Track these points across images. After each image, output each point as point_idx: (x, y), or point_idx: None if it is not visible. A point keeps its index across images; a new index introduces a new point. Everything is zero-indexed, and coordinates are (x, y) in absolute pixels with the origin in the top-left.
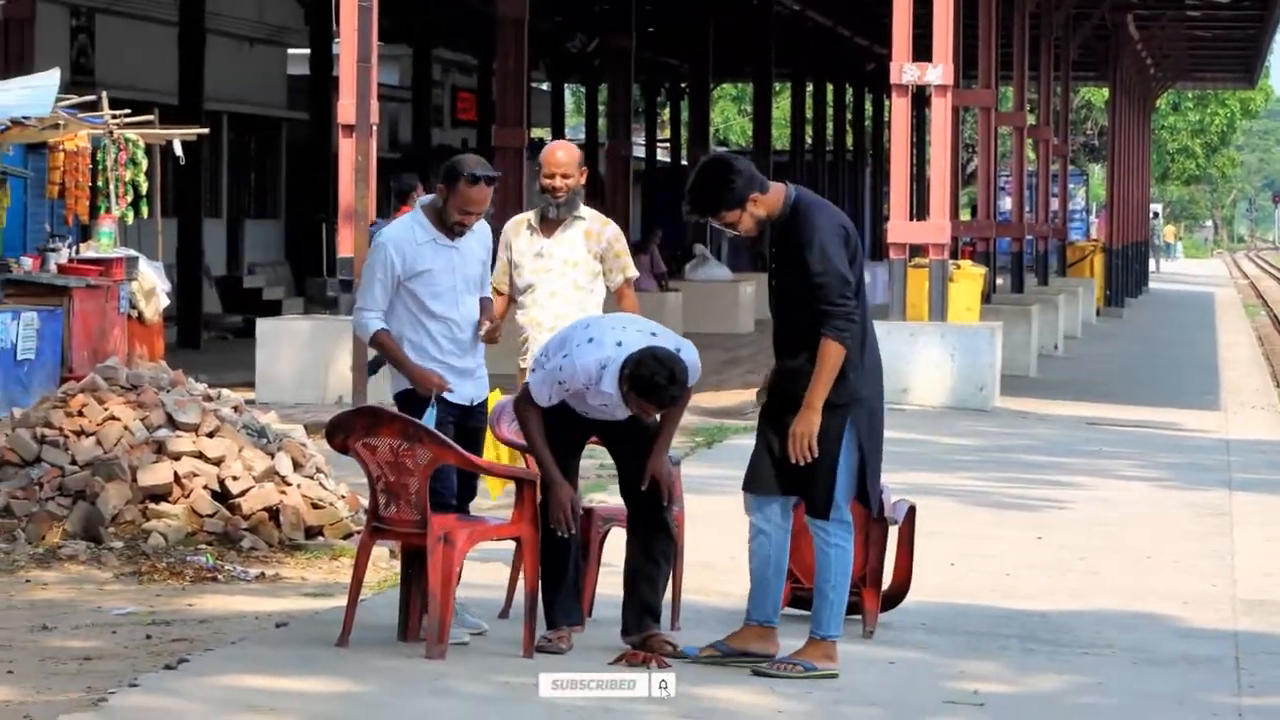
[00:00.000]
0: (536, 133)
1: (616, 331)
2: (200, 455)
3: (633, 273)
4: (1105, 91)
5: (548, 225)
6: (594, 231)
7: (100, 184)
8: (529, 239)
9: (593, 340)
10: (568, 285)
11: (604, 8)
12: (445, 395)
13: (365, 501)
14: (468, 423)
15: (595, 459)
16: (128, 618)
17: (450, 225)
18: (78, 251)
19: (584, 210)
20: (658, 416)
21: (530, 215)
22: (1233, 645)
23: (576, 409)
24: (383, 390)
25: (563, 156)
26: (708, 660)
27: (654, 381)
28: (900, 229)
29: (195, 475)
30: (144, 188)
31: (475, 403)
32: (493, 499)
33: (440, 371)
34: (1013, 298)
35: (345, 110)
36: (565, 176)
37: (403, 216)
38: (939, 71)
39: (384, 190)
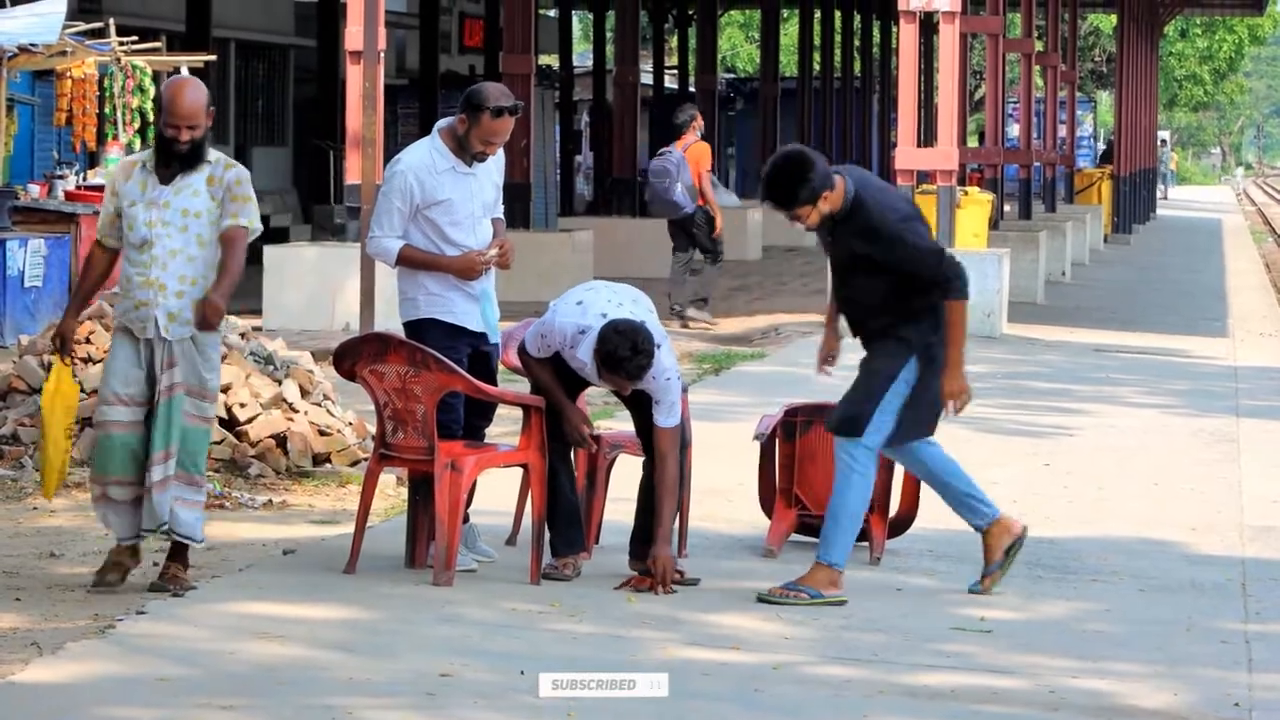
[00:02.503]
0: (544, 59)
1: (610, 305)
2: None
3: (244, 221)
4: (1113, 18)
5: (166, 168)
6: (216, 177)
7: (108, 111)
8: (143, 185)
9: (581, 304)
10: (190, 241)
11: None
12: (460, 323)
13: (372, 428)
14: (481, 347)
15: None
16: None
17: (472, 154)
18: (85, 179)
19: (210, 153)
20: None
21: (144, 157)
22: (1240, 572)
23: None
24: (390, 317)
25: (190, 107)
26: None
27: (617, 355)
28: (908, 155)
29: None
30: (151, 115)
31: (482, 329)
32: (47, 496)
33: (455, 298)
34: (1020, 224)
35: (353, 37)
36: (191, 128)
37: (421, 143)
38: None
39: (390, 117)
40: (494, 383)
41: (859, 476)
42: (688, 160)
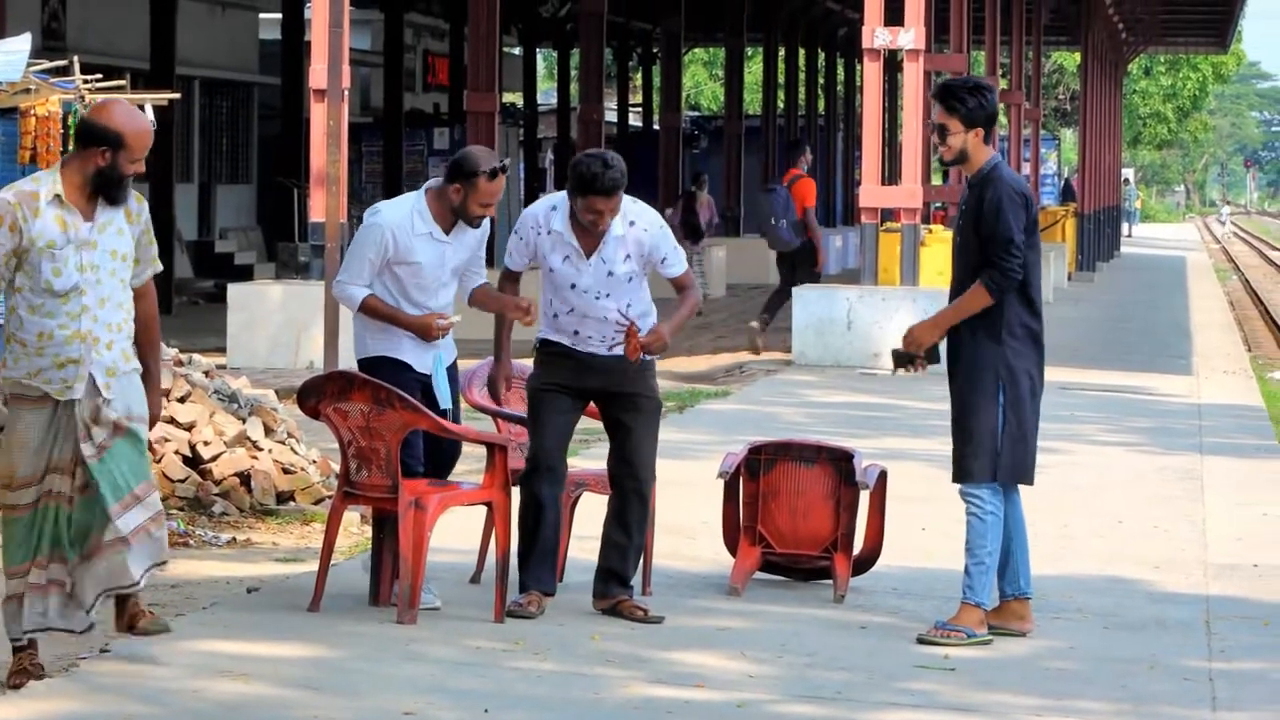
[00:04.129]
0: (508, 97)
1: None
2: (172, 420)
3: (159, 266)
4: (1077, 56)
5: (86, 203)
6: (134, 212)
7: (72, 149)
8: (62, 224)
9: (546, 196)
10: (118, 287)
11: None
12: (407, 360)
13: (337, 466)
14: (433, 391)
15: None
16: None
17: (470, 219)
18: None
19: None
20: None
21: (49, 188)
22: (1204, 610)
23: (567, 338)
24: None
25: (150, 137)
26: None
27: (591, 171)
28: (872, 193)
29: (166, 440)
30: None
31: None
32: None
33: (404, 343)
34: None
35: (317, 75)
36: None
37: (405, 200)
38: (911, 36)
39: (355, 154)
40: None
41: (992, 519)
42: (793, 196)
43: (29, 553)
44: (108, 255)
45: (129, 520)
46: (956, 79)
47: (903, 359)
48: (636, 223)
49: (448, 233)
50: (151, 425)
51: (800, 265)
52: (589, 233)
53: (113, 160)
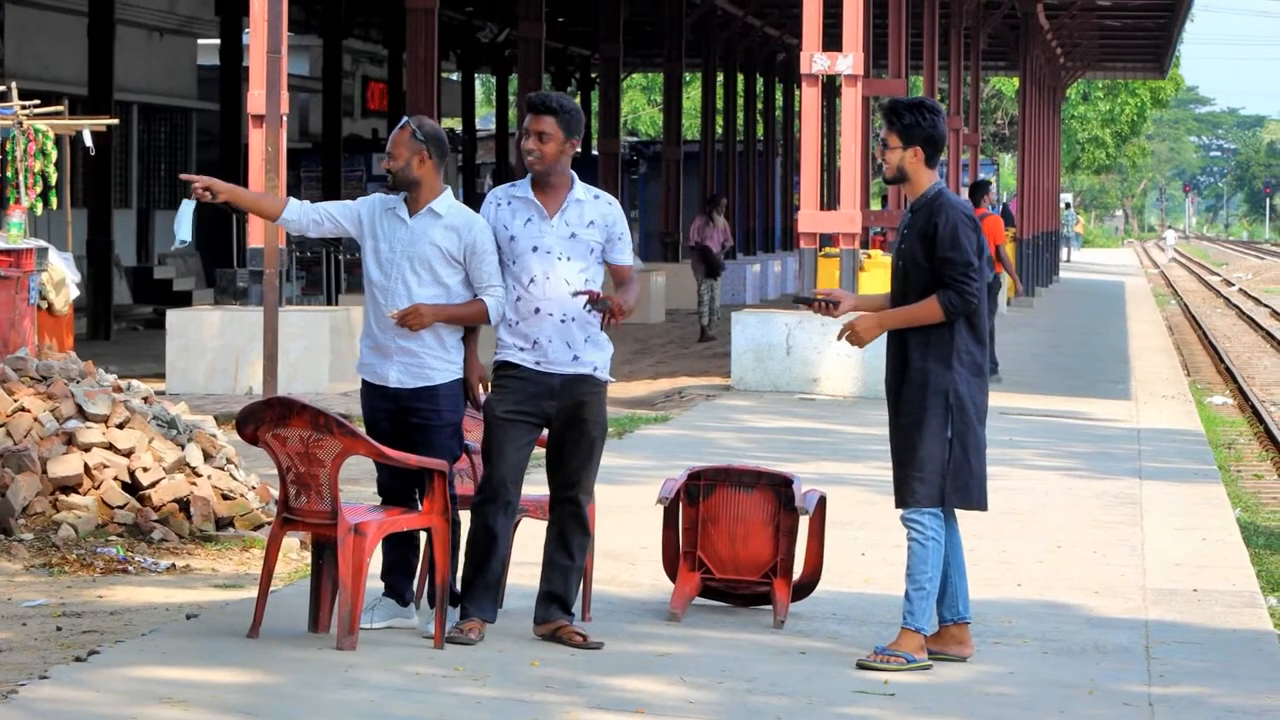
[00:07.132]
0: (447, 123)
1: None
2: (110, 446)
3: None
4: (1015, 81)
5: None
6: None
7: (9, 175)
8: None
9: None
10: None
11: None
12: (371, 379)
13: (275, 492)
14: (406, 418)
15: None
16: (38, 610)
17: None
18: None
19: None
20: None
21: None
22: (1143, 634)
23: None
24: (293, 381)
25: None
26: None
27: (536, 94)
28: (811, 218)
29: (105, 466)
30: (54, 178)
31: (401, 386)
32: None
33: (365, 352)
34: None
35: (255, 101)
36: None
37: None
38: (849, 61)
39: (293, 180)
40: (434, 445)
41: (933, 544)
42: (984, 232)
43: None
44: None
45: None
46: (905, 98)
47: (805, 301)
48: (600, 197)
49: (409, 214)
50: None
51: (989, 298)
52: (552, 195)
53: None
